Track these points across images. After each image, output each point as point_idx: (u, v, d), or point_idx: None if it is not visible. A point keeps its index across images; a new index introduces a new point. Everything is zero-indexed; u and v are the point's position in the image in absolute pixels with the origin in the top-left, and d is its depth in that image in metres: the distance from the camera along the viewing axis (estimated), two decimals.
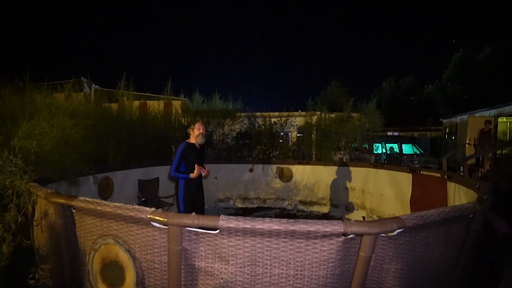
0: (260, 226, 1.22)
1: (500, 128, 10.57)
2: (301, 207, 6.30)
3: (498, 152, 9.49)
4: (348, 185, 5.76)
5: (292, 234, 1.25)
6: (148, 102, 8.93)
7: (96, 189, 4.26)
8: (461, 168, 9.01)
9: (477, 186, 2.54)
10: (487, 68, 20.64)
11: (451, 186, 3.26)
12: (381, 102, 25.66)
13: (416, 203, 4.20)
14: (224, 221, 1.26)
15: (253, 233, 1.26)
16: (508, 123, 11.67)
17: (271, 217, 5.77)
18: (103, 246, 1.63)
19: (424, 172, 4.03)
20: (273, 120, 7.24)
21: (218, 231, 1.31)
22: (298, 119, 7.94)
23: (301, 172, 6.39)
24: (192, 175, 3.30)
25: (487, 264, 1.94)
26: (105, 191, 4.48)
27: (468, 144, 9.63)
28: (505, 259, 1.85)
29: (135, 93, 10.27)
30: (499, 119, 10.57)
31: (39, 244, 2.05)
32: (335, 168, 5.92)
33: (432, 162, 10.99)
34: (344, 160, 6.77)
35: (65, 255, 1.77)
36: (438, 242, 1.48)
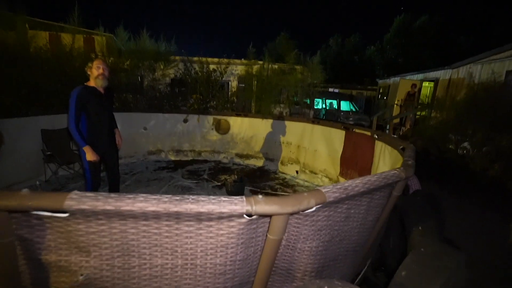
0: (128, 208, 0.84)
1: (423, 92, 11.62)
2: (237, 160, 6.13)
3: (418, 113, 10.56)
4: (284, 139, 5.70)
5: (177, 217, 0.90)
6: (62, 34, 7.21)
7: None
8: (387, 127, 9.84)
9: (401, 147, 2.53)
10: (421, 35, 22.05)
11: (379, 145, 3.32)
12: (326, 59, 26.07)
13: (346, 160, 4.31)
14: (74, 201, 0.84)
15: (121, 216, 0.87)
16: (429, 87, 12.90)
17: (205, 170, 5.53)
18: None
19: (356, 130, 4.06)
20: (211, 67, 6.54)
21: (68, 214, 0.89)
22: (239, 68, 7.36)
23: (238, 125, 6.09)
24: (88, 157, 2.69)
25: (398, 224, 1.95)
26: None
27: (396, 104, 10.43)
28: (413, 218, 1.86)
29: (43, 21, 8.21)
30: (424, 83, 11.55)
31: None
32: (273, 121, 5.74)
33: (365, 120, 11.77)
34: (284, 114, 6.65)
35: None
36: (359, 213, 1.31)
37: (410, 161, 1.58)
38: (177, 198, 0.88)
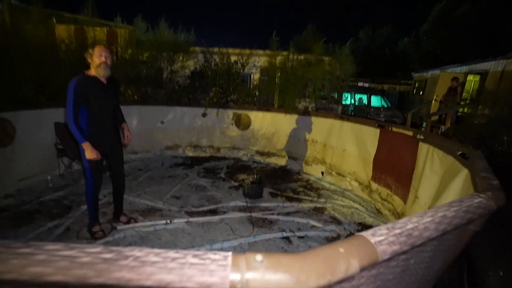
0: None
1: (467, 86, 10.43)
2: (257, 158, 5.73)
3: (460, 110, 9.48)
4: (310, 137, 5.20)
5: None
6: (86, 28, 7.18)
7: None
8: (423, 124, 8.91)
9: (460, 152, 1.98)
10: (464, 25, 20.06)
11: (424, 148, 2.75)
12: (355, 52, 24.66)
13: (380, 163, 3.75)
14: None
15: None
16: (474, 81, 11.58)
17: (222, 168, 5.19)
18: None
19: (394, 129, 3.48)
20: (233, 58, 6.15)
21: None
22: (262, 59, 6.89)
23: (260, 120, 5.67)
24: (87, 155, 2.41)
25: (463, 262, 1.44)
26: (1, 138, 3.43)
27: (435, 100, 9.42)
28: (487, 255, 1.34)
29: (67, 14, 8.25)
30: (468, 77, 10.37)
31: None
32: (297, 117, 5.25)
33: (398, 116, 10.85)
34: (309, 109, 6.13)
35: None
36: (421, 262, 0.85)
37: (495, 180, 1.08)
38: (111, 252, 0.49)
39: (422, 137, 2.84)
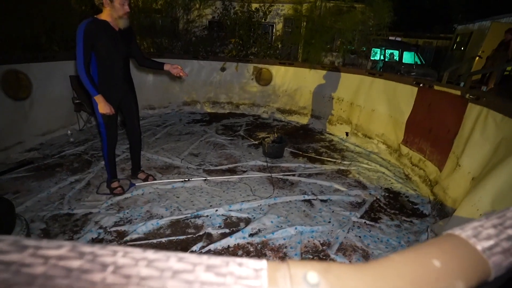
0: None
1: None
2: (278, 115, 5.48)
3: (509, 69, 8.44)
4: (335, 94, 4.81)
5: None
6: None
7: None
8: (461, 85, 8.10)
9: None
10: None
11: (475, 110, 2.37)
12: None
13: (414, 125, 3.40)
14: None
15: None
16: None
17: (241, 126, 5.01)
18: None
19: (436, 87, 3.06)
20: (254, 6, 5.56)
21: None
22: (286, 7, 6.22)
23: (282, 75, 5.29)
24: (100, 109, 2.25)
25: None
26: (16, 90, 3.35)
27: (480, 56, 8.38)
28: None
29: None
30: None
31: None
32: (323, 72, 4.83)
33: (431, 75, 9.90)
34: (336, 64, 5.61)
35: None
36: None
37: None
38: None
39: (472, 97, 2.44)
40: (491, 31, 8.29)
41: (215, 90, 5.57)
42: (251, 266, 0.33)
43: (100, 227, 2.13)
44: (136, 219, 2.27)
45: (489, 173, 1.75)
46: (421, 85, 3.38)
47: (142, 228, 2.14)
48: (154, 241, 2.04)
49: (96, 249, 0.33)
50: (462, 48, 11.39)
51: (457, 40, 12.34)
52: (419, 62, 10.93)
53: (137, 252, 0.33)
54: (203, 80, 5.48)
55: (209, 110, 5.61)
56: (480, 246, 0.41)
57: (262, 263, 0.33)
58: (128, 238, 2.04)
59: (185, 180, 2.88)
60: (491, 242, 0.42)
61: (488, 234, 0.43)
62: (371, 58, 9.83)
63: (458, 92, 2.69)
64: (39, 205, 2.37)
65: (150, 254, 0.33)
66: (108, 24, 2.22)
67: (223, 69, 5.41)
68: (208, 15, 5.98)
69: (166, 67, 2.61)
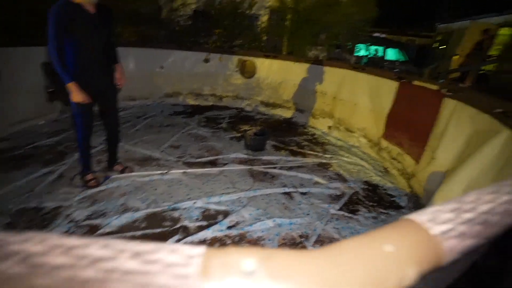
0: None
1: (499, 40, 9.42)
2: (262, 109, 5.44)
3: (486, 67, 8.74)
4: (319, 88, 4.82)
5: None
6: None
7: None
8: (441, 82, 8.31)
9: (499, 110, 1.68)
10: None
11: (450, 104, 2.43)
12: None
13: (394, 119, 3.45)
14: None
15: None
16: (503, 36, 10.49)
17: (224, 118, 4.94)
18: None
19: (416, 82, 3.11)
20: None
21: None
22: None
23: (266, 68, 5.25)
24: (73, 97, 2.15)
25: None
26: None
27: (458, 55, 8.63)
28: None
29: None
30: (501, 31, 9.33)
31: None
32: (308, 66, 4.82)
33: (413, 71, 10.14)
34: (321, 58, 5.62)
35: None
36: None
37: None
38: None
39: (447, 92, 2.50)
40: (470, 30, 8.55)
41: (199, 81, 5.46)
42: (186, 252, 0.29)
43: (71, 221, 2.04)
44: (110, 212, 2.20)
45: (460, 165, 1.80)
46: (402, 80, 3.43)
47: (116, 222, 2.07)
48: (128, 234, 1.98)
49: (4, 236, 0.29)
50: (444, 47, 11.69)
51: (439, 38, 12.67)
52: (402, 59, 11.17)
53: (55, 239, 0.29)
54: (187, 71, 5.35)
55: (192, 102, 5.50)
56: (435, 230, 0.39)
57: (199, 250, 0.29)
58: (100, 231, 1.97)
59: (163, 173, 2.81)
60: (446, 226, 0.40)
61: (445, 218, 0.42)
62: (356, 54, 9.95)
63: (435, 87, 2.74)
64: (5, 198, 2.24)
65: (71, 241, 0.29)
66: (81, 7, 2.10)
67: (206, 60, 5.30)
68: (193, 4, 5.82)
69: (117, 67, 2.49)
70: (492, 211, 0.46)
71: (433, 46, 13.53)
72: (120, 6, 5.42)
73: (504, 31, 9.44)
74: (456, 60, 8.96)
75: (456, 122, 2.25)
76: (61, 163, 2.85)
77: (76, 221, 2.04)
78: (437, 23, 14.14)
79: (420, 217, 0.42)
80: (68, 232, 1.92)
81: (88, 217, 2.11)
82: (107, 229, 2.00)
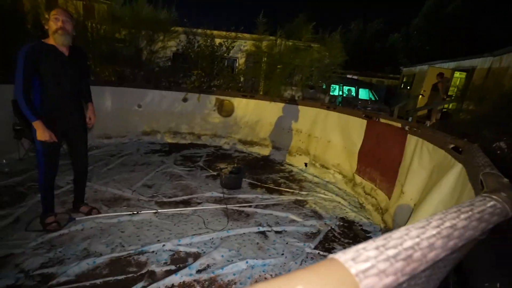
0: None
1: (453, 82, 10.44)
2: (239, 146, 5.49)
3: (446, 106, 9.51)
4: (294, 126, 4.99)
5: None
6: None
7: None
8: (410, 119, 8.90)
9: (452, 146, 1.80)
10: (453, 22, 20.12)
11: (412, 140, 2.58)
12: (346, 44, 24.38)
13: (365, 155, 3.58)
14: None
15: None
16: (460, 78, 11.64)
17: (202, 156, 4.91)
18: None
19: (382, 120, 3.31)
20: (217, 41, 5.80)
21: None
22: (248, 43, 6.55)
23: (243, 107, 5.40)
24: (38, 135, 2.11)
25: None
26: None
27: (422, 95, 9.39)
28: (484, 265, 1.17)
29: None
30: (455, 74, 10.37)
31: None
32: (282, 105, 5.02)
33: (384, 110, 10.80)
34: (296, 98, 5.90)
35: None
36: (416, 284, 0.63)
37: (503, 178, 0.88)
38: None
39: (409, 128, 2.67)
40: (428, 74, 9.44)
41: (177, 120, 5.50)
42: None
43: (21, 271, 1.85)
44: (69, 258, 2.02)
45: (424, 198, 1.86)
46: (369, 118, 3.63)
47: (74, 269, 1.90)
48: (87, 283, 1.81)
49: None
50: (409, 87, 12.70)
51: (404, 80, 13.79)
52: (373, 98, 11.92)
53: None
54: (164, 110, 5.40)
55: (169, 141, 5.47)
56: (354, 269, 0.40)
57: None
58: (54, 282, 1.79)
59: (133, 213, 2.68)
60: (367, 265, 0.41)
61: (367, 256, 0.43)
62: (331, 94, 10.55)
63: (399, 124, 2.93)
64: None
65: None
66: (54, 47, 2.15)
67: (185, 99, 5.41)
68: (173, 47, 6.07)
69: (89, 106, 2.51)
70: (416, 246, 0.48)
71: (400, 87, 14.65)
72: (101, 47, 5.56)
73: (457, 74, 10.50)
74: (420, 99, 9.72)
75: (419, 157, 2.37)
76: (20, 205, 2.66)
77: (26, 271, 1.85)
78: (401, 66, 15.49)
79: (344, 255, 0.43)
80: (15, 285, 1.72)
81: (43, 265, 1.93)
82: (63, 278, 1.82)
